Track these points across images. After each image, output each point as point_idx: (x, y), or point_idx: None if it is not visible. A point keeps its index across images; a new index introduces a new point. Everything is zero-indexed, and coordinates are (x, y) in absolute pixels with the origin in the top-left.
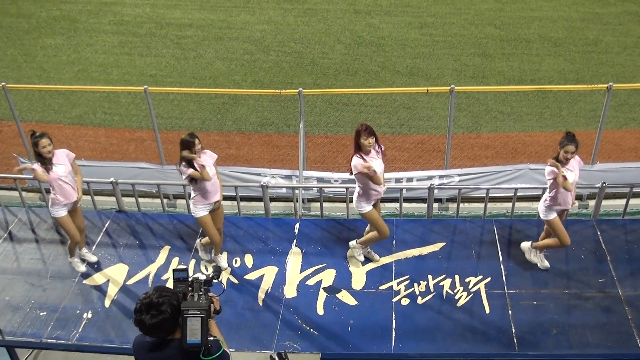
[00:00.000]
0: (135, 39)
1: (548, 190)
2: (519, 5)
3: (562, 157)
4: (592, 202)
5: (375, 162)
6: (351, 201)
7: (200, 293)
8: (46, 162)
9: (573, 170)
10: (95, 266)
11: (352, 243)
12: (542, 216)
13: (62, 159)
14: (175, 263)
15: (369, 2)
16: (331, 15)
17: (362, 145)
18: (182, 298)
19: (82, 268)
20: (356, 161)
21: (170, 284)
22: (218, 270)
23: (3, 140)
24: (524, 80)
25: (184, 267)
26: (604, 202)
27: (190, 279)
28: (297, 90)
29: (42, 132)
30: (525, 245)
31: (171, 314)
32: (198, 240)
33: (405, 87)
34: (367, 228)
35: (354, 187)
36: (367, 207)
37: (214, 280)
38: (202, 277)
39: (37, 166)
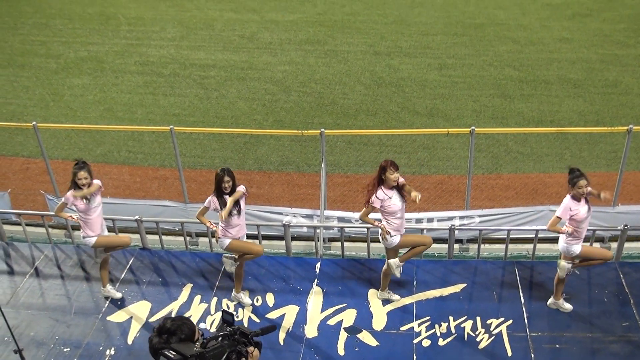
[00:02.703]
0: (160, 79)
1: (566, 229)
2: (537, 47)
3: (577, 194)
4: (614, 245)
5: (395, 197)
6: (372, 241)
7: (215, 345)
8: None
9: (582, 205)
10: (119, 303)
11: (380, 294)
12: (569, 254)
13: (95, 193)
14: (197, 301)
15: (388, 44)
16: (351, 56)
17: (388, 179)
18: (203, 339)
19: (118, 294)
20: (378, 195)
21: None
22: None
23: (30, 177)
24: (544, 121)
25: (232, 312)
26: (626, 245)
27: (233, 328)
28: (319, 131)
29: (82, 164)
30: (565, 264)
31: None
32: (233, 294)
33: (425, 127)
34: (383, 270)
35: (375, 228)
36: (395, 239)
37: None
38: (244, 330)
39: (70, 194)
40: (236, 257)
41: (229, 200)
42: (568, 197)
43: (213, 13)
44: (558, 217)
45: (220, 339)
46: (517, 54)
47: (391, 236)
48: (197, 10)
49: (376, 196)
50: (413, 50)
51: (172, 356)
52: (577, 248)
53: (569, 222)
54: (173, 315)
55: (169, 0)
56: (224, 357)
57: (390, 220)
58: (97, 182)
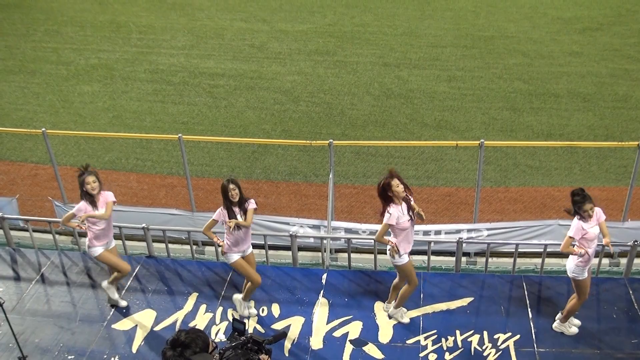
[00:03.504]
0: (169, 87)
1: (579, 250)
2: (547, 60)
3: (583, 215)
4: (623, 260)
5: (406, 212)
6: (379, 253)
7: (230, 354)
8: (91, 200)
9: (593, 225)
10: (124, 311)
11: (391, 312)
12: (572, 275)
13: (102, 202)
14: (202, 310)
15: (398, 55)
16: (360, 67)
17: (396, 192)
18: (218, 350)
19: (116, 295)
20: (392, 212)
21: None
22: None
23: (38, 184)
24: (553, 135)
25: (243, 321)
26: (636, 260)
27: (245, 337)
28: (328, 142)
29: (90, 170)
30: (557, 326)
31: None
32: (238, 297)
33: (433, 139)
34: (394, 283)
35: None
36: (404, 259)
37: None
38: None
39: (83, 206)
40: (242, 296)
41: (245, 222)
42: (576, 219)
43: (223, 22)
44: (571, 237)
45: (233, 348)
46: (526, 67)
47: (400, 256)
48: (207, 20)
49: (390, 213)
50: (422, 62)
51: None
52: (585, 274)
53: (580, 242)
54: (178, 324)
55: (180, 9)
56: None
57: (400, 241)
58: (110, 197)
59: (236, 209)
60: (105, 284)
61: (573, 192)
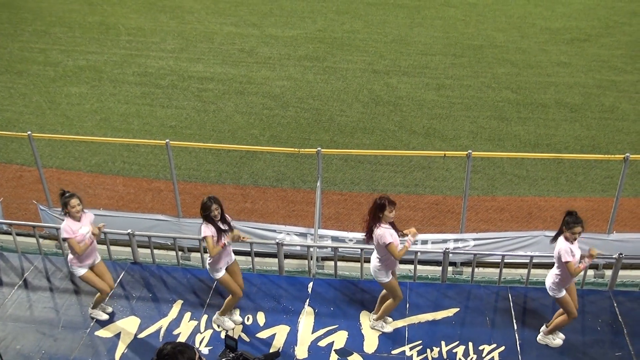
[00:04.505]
0: (158, 91)
1: (557, 267)
2: (535, 70)
3: (569, 237)
4: (608, 272)
5: (395, 233)
6: (366, 261)
7: None
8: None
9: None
10: (108, 317)
11: (372, 324)
12: (551, 293)
13: (86, 221)
14: (187, 318)
15: (387, 63)
16: (350, 74)
17: (386, 217)
18: None
19: (105, 316)
20: (383, 231)
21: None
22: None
23: (23, 186)
24: (540, 145)
25: (235, 338)
26: (621, 272)
27: (235, 353)
28: (316, 150)
29: (72, 193)
30: (542, 338)
31: None
32: (215, 316)
33: (422, 147)
34: (381, 294)
35: (369, 248)
36: (388, 277)
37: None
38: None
39: (67, 226)
40: (221, 311)
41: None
42: (562, 240)
43: (213, 26)
44: (569, 261)
45: None
46: (515, 76)
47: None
48: (197, 23)
49: (388, 233)
50: (411, 69)
51: None
52: (562, 292)
53: (560, 267)
54: (162, 332)
55: (170, 12)
56: None
57: (392, 261)
58: (92, 217)
59: (219, 224)
60: (90, 310)
61: (568, 212)
